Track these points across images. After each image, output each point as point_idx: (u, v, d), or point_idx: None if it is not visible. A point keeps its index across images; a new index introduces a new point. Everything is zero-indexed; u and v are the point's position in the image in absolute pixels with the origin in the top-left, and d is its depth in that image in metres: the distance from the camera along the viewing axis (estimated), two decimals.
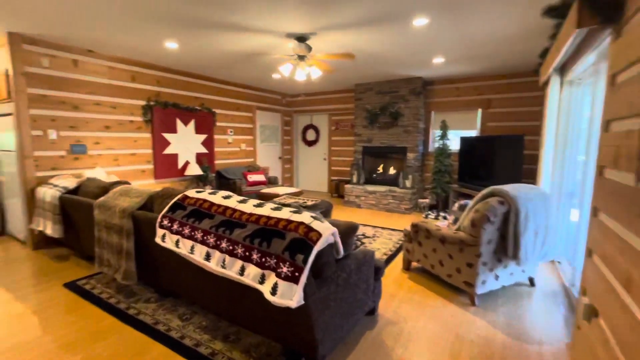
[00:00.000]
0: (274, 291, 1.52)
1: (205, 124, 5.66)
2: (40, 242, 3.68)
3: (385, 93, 6.01)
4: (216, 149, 5.96)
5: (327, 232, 1.59)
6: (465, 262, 2.52)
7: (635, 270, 1.02)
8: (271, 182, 6.45)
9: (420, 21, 3.04)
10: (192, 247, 1.95)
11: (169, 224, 2.12)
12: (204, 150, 5.67)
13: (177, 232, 2.06)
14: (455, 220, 2.92)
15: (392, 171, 6.29)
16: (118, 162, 4.44)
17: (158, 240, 2.15)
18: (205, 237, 1.90)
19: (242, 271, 1.70)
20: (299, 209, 1.79)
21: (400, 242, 4.04)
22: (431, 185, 5.74)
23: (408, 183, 5.76)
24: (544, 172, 3.40)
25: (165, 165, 5.06)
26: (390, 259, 3.48)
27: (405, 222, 5.09)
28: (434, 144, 6.08)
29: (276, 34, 3.41)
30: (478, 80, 5.48)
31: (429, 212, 5.53)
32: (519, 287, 2.86)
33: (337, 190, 7.10)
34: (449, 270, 2.68)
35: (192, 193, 2.24)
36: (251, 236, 1.70)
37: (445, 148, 5.52)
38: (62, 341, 2.05)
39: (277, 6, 2.72)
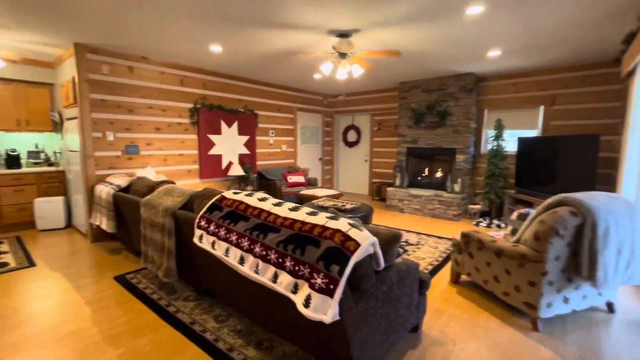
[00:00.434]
0: (307, 303, 1.40)
1: (248, 125, 5.77)
2: (98, 235, 3.98)
3: (433, 91, 5.65)
4: (258, 150, 6.05)
5: (366, 241, 1.44)
6: (527, 280, 2.19)
7: None
8: (311, 183, 6.40)
9: (474, 9, 2.74)
10: (227, 250, 1.91)
11: (206, 225, 2.12)
12: (246, 151, 5.78)
13: (213, 234, 2.04)
14: (514, 231, 2.58)
15: (438, 174, 5.89)
16: (167, 162, 4.67)
17: (196, 240, 2.15)
18: (239, 240, 1.84)
19: (275, 278, 1.60)
20: (336, 214, 1.66)
21: (448, 251, 3.72)
22: (483, 190, 5.26)
23: (457, 187, 5.34)
24: (627, 179, 2.89)
25: (210, 165, 5.23)
26: (436, 270, 3.20)
27: (452, 229, 4.71)
28: (487, 145, 5.58)
29: (319, 31, 3.32)
30: (540, 74, 4.91)
31: (480, 219, 5.07)
32: (594, 312, 2.44)
33: (378, 193, 6.84)
34: (505, 288, 2.36)
35: (229, 194, 2.21)
36: (285, 242, 1.61)
37: (500, 149, 5.02)
38: (107, 334, 2.13)
39: (325, 0, 2.61)
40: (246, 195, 2.13)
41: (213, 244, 2.02)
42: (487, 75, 5.36)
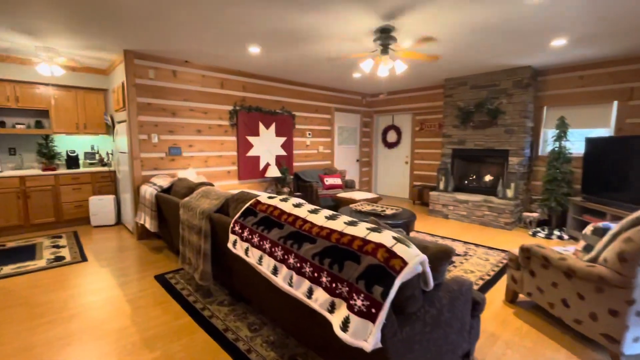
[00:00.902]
0: (344, 327, 1.25)
1: (285, 126, 5.74)
2: (143, 233, 4.15)
3: (482, 87, 5.19)
4: (294, 152, 6.00)
5: (413, 260, 1.24)
6: (607, 308, 1.84)
7: None
8: (348, 185, 6.22)
9: None
10: (261, 258, 1.81)
11: (240, 231, 2.04)
12: (283, 152, 5.76)
13: (246, 240, 1.96)
14: (587, 248, 2.20)
15: (488, 178, 5.41)
16: (207, 164, 4.77)
17: (230, 245, 2.09)
18: (273, 249, 1.74)
19: (309, 293, 1.47)
20: (379, 226, 1.48)
21: (500, 264, 3.34)
22: (542, 197, 4.71)
23: (509, 192, 4.85)
24: None
25: (248, 166, 5.27)
26: (487, 285, 2.87)
27: (505, 239, 4.27)
28: (547, 147, 5.00)
29: (360, 24, 3.14)
30: (614, 65, 4.28)
31: (538, 229, 4.54)
32: None
33: (419, 197, 6.47)
34: (577, 315, 2.01)
35: (263, 198, 2.12)
36: (321, 254, 1.46)
37: (563, 151, 4.46)
38: (145, 335, 2.14)
39: None
40: (281, 200, 2.02)
41: (247, 250, 1.94)
42: (547, 68, 4.80)
